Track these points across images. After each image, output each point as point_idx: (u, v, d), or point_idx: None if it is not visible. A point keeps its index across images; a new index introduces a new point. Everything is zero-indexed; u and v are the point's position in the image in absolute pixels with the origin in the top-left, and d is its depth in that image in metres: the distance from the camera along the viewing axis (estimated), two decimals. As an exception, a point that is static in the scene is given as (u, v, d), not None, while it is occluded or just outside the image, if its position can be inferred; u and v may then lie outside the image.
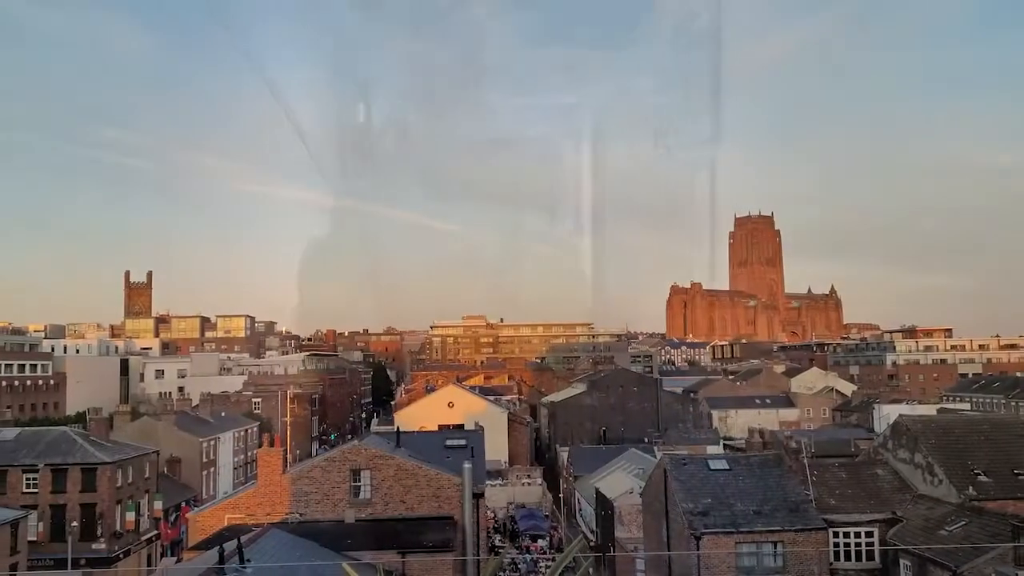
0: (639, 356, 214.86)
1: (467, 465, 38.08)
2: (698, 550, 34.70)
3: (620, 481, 61.81)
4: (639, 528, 50.44)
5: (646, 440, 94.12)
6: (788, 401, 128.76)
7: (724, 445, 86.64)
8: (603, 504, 60.60)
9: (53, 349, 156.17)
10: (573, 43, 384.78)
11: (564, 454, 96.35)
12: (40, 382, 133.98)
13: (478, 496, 38.77)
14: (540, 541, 71.76)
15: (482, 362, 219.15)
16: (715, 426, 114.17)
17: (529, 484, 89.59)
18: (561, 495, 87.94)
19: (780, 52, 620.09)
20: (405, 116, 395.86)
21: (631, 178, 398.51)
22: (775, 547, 35.07)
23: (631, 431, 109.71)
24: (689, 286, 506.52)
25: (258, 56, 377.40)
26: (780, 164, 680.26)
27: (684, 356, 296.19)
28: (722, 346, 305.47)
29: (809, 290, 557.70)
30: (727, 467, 40.06)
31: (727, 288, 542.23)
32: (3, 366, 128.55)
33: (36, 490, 60.86)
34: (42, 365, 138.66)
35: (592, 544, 62.54)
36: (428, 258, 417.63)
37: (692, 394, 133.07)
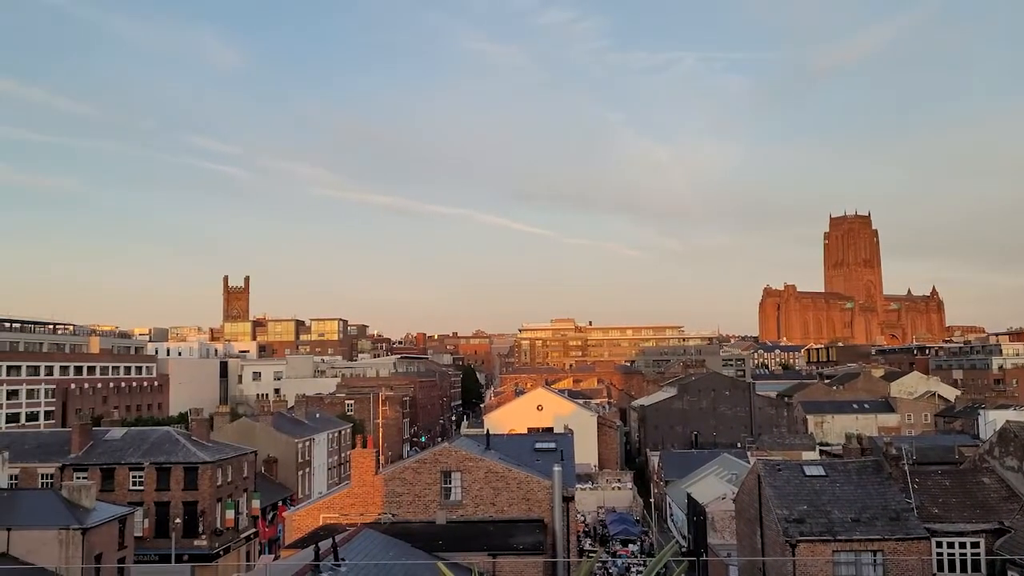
0: (731, 360, 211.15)
1: (557, 468, 37.96)
2: (793, 557, 33.87)
3: (712, 486, 60.87)
4: (732, 534, 49.53)
5: (738, 445, 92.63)
6: (887, 406, 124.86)
7: (820, 451, 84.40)
8: (695, 509, 59.72)
9: (157, 352, 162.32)
10: (658, 44, 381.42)
11: (655, 458, 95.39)
12: (145, 383, 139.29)
13: (568, 499, 38.58)
14: (631, 546, 71.17)
15: (571, 365, 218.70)
16: (810, 431, 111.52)
17: (619, 488, 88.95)
18: (652, 500, 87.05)
19: (876, 47, 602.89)
20: (492, 122, 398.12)
21: (721, 178, 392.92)
22: (875, 556, 33.95)
23: (723, 436, 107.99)
24: (783, 288, 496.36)
25: (342, 66, 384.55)
26: (877, 162, 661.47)
27: (778, 360, 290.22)
28: (817, 349, 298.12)
29: (909, 292, 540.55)
30: (823, 473, 38.99)
31: (822, 290, 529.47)
32: (111, 368, 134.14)
33: (142, 487, 63.21)
34: (147, 367, 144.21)
35: (684, 550, 61.70)
36: (517, 262, 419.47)
37: (786, 398, 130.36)
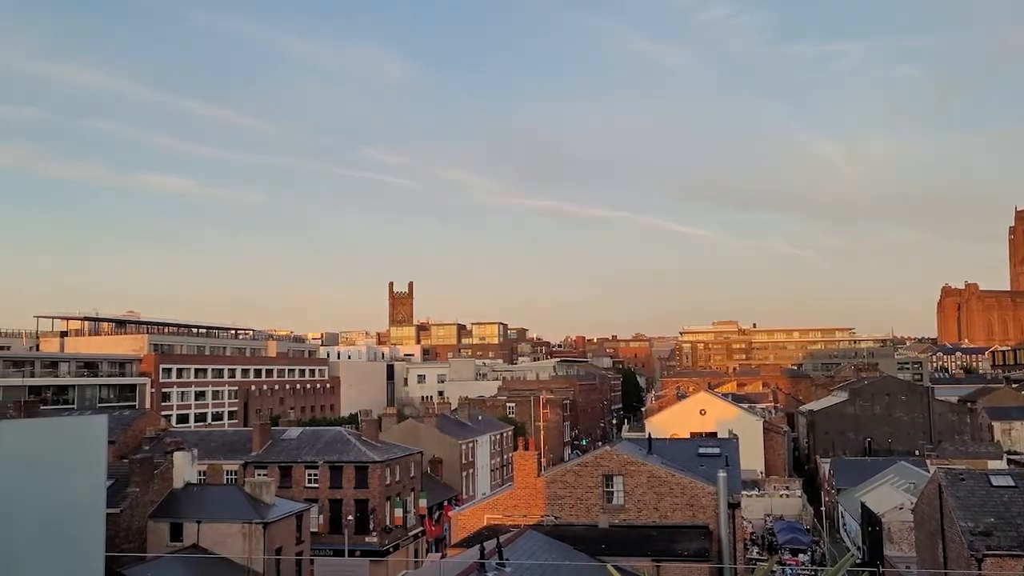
0: (907, 363, 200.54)
1: (722, 474, 37.10)
2: (980, 572, 31.74)
3: (888, 496, 57.99)
4: (911, 546, 47.00)
5: (916, 452, 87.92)
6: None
7: (1008, 460, 78.84)
8: (870, 519, 57.04)
9: (328, 355, 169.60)
10: (823, 36, 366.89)
11: (825, 465, 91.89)
12: (318, 385, 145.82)
13: (734, 506, 37.62)
14: (801, 555, 68.64)
15: (734, 368, 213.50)
16: (996, 439, 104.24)
17: (787, 496, 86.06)
18: (823, 508, 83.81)
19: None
20: (651, 123, 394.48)
21: (894, 172, 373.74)
22: (1075, 575, 31.38)
23: (899, 442, 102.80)
24: (963, 287, 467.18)
25: (498, 72, 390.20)
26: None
27: (958, 363, 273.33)
28: (1003, 352, 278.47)
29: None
30: (1013, 484, 36.36)
31: (1008, 288, 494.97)
32: (287, 371, 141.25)
33: (316, 485, 66.18)
34: (319, 370, 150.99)
35: (858, 561, 59.01)
36: (677, 263, 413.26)
37: (969, 404, 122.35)
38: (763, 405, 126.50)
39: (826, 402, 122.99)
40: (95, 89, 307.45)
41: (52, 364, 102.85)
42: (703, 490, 38.11)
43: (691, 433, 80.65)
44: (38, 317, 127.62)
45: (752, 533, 75.06)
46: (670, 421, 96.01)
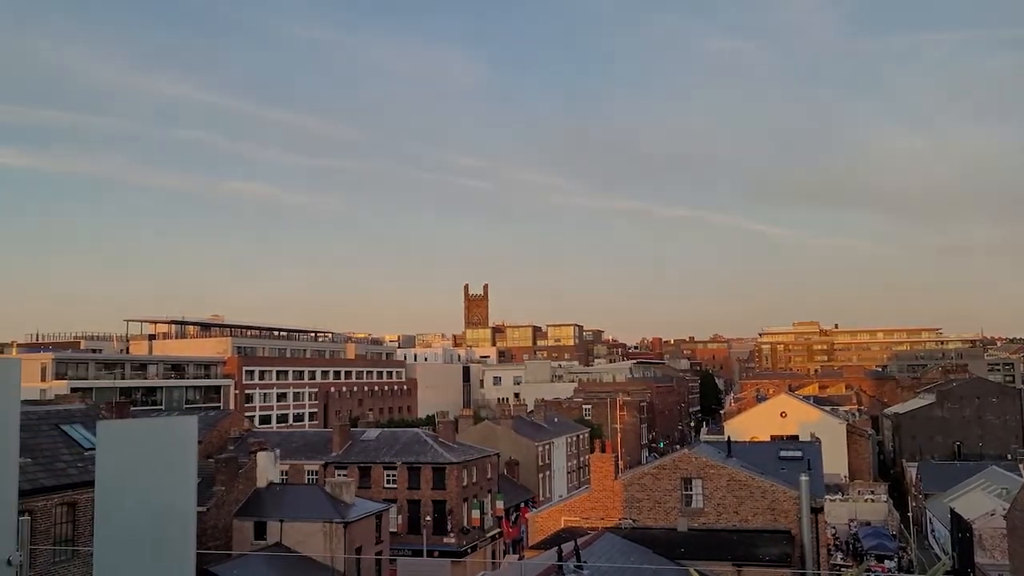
0: (998, 364, 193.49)
1: (804, 478, 36.38)
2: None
3: (980, 501, 56.10)
4: (1003, 554, 45.40)
5: (1008, 457, 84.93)
6: None
7: (1109, 466, 75.53)
8: (959, 525, 55.27)
9: (405, 357, 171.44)
10: (910, 28, 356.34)
11: (912, 470, 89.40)
12: (395, 387, 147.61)
13: (816, 511, 36.86)
14: (887, 562, 66.82)
15: (816, 370, 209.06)
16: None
17: (872, 500, 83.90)
18: (910, 514, 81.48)
19: None
20: (728, 121, 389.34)
21: (985, 167, 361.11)
22: None
23: (990, 447, 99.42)
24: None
25: (571, 72, 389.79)
26: None
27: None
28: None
29: None
30: (1116, 491, 34.81)
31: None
32: (365, 372, 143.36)
33: (395, 485, 66.99)
34: (397, 372, 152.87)
35: (948, 568, 57.20)
36: (755, 263, 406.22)
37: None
38: (846, 408, 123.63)
39: (912, 405, 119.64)
40: (184, 100, 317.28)
41: (141, 366, 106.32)
42: (785, 494, 37.41)
43: (771, 436, 79.31)
44: (128, 321, 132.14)
45: (836, 538, 73.39)
46: (750, 424, 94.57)
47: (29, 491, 28.10)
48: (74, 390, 78.32)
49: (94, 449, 31.18)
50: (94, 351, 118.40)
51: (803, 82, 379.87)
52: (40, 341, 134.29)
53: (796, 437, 75.77)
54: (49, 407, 38.50)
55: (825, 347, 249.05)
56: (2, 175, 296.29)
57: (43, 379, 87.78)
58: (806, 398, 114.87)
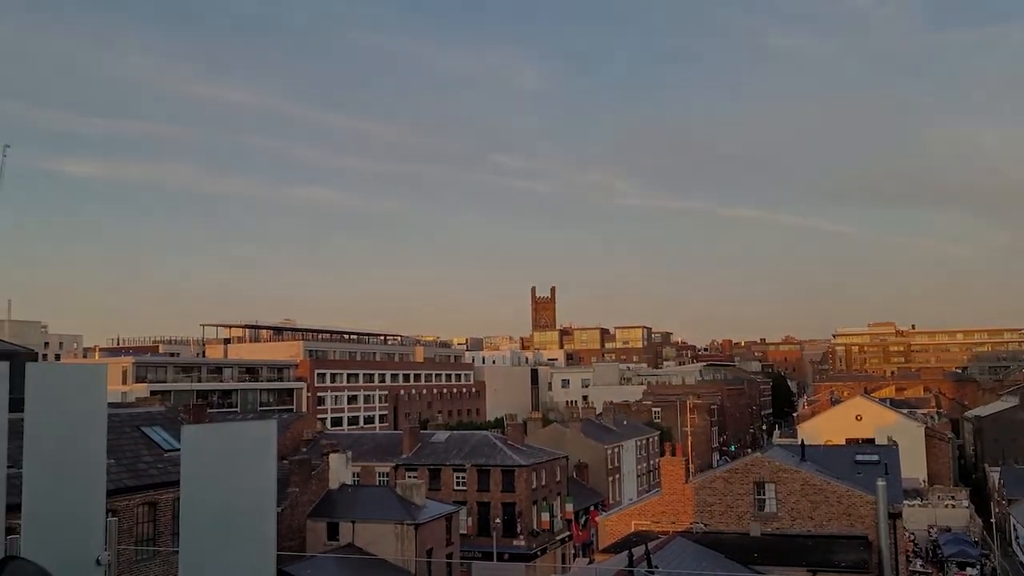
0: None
1: (881, 482, 35.17)
2: None
3: (1068, 508, 54.00)
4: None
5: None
6: None
7: None
8: (1047, 534, 53.31)
9: (473, 360, 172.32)
10: (980, 20, 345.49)
11: (995, 475, 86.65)
12: (464, 390, 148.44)
13: (895, 516, 35.93)
14: (969, 569, 64.87)
15: (892, 372, 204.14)
16: None
17: (953, 506, 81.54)
18: (992, 520, 78.93)
19: None
20: (796, 119, 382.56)
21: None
22: None
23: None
24: None
25: (635, 72, 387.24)
26: None
27: None
28: None
29: None
30: None
31: None
32: (434, 375, 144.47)
33: (464, 488, 67.34)
34: (465, 375, 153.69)
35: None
36: (827, 263, 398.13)
37: None
38: (924, 411, 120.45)
39: (995, 407, 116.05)
40: (245, 107, 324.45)
41: (217, 369, 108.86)
42: (861, 499, 36.62)
43: (847, 440, 77.75)
44: (204, 325, 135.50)
45: (915, 545, 71.53)
46: (824, 427, 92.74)
47: (113, 491, 28.96)
48: (153, 393, 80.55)
49: (173, 451, 32.09)
50: (172, 355, 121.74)
51: (871, 79, 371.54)
52: (121, 346, 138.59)
53: (872, 441, 74.07)
54: (130, 410, 39.65)
55: (902, 348, 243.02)
56: (80, 184, 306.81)
57: (124, 382, 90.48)
58: (882, 401, 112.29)
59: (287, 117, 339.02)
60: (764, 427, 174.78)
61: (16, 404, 3.65)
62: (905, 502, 58.49)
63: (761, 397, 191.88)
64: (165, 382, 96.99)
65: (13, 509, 3.65)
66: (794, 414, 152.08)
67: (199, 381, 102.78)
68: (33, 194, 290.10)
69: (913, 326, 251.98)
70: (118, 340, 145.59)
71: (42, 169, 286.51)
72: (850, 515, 36.68)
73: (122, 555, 28.85)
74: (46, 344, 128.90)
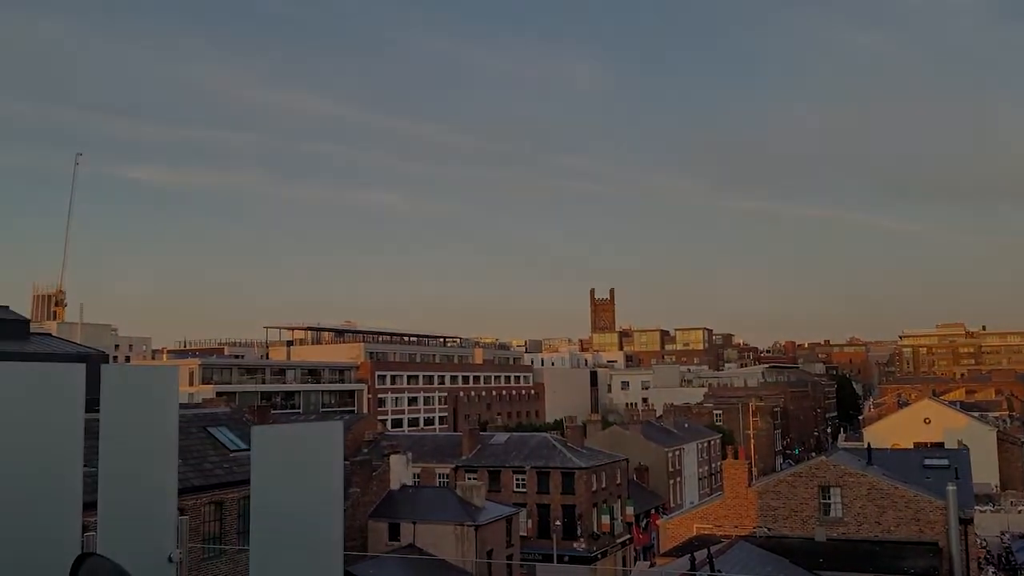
0: None
1: (951, 487, 34.65)
2: None
3: None
4: None
5: None
6: None
7: None
8: None
9: (532, 362, 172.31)
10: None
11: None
12: (523, 391, 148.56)
13: (966, 522, 35.04)
14: (1045, 578, 62.91)
15: (962, 374, 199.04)
16: None
17: (1027, 512, 79.16)
18: (1070, 527, 76.43)
19: None
20: (858, 117, 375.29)
21: None
22: None
23: None
24: None
25: (692, 72, 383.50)
26: None
27: None
28: None
29: None
30: None
31: None
32: (493, 377, 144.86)
33: (524, 490, 67.37)
34: (524, 376, 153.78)
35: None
36: (892, 263, 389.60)
37: None
38: (996, 414, 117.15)
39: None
40: (307, 112, 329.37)
41: (280, 371, 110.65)
42: (930, 504, 35.76)
43: (914, 443, 75.98)
44: (267, 327, 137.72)
45: (987, 551, 69.63)
46: (891, 430, 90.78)
47: (181, 491, 29.55)
48: (219, 394, 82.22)
49: (239, 451, 32.65)
50: (237, 357, 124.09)
51: (936, 74, 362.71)
52: (188, 348, 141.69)
53: (941, 444, 72.25)
54: (197, 410, 40.47)
55: (972, 350, 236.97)
56: (148, 190, 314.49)
57: (191, 384, 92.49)
58: (952, 403, 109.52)
59: (347, 122, 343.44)
60: (829, 430, 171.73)
61: (90, 405, 3.75)
62: (976, 507, 56.92)
63: (825, 400, 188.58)
64: (230, 383, 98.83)
65: (89, 507, 3.75)
66: (860, 417, 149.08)
67: (263, 383, 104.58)
68: (103, 200, 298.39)
69: (984, 327, 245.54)
70: (185, 342, 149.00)
71: (112, 176, 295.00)
72: (919, 521, 35.85)
73: (190, 553, 29.48)
74: (116, 347, 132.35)
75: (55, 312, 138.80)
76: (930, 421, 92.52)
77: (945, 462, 44.82)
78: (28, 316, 57.14)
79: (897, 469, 42.26)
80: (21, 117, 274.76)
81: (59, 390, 3.63)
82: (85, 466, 3.84)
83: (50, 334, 57.45)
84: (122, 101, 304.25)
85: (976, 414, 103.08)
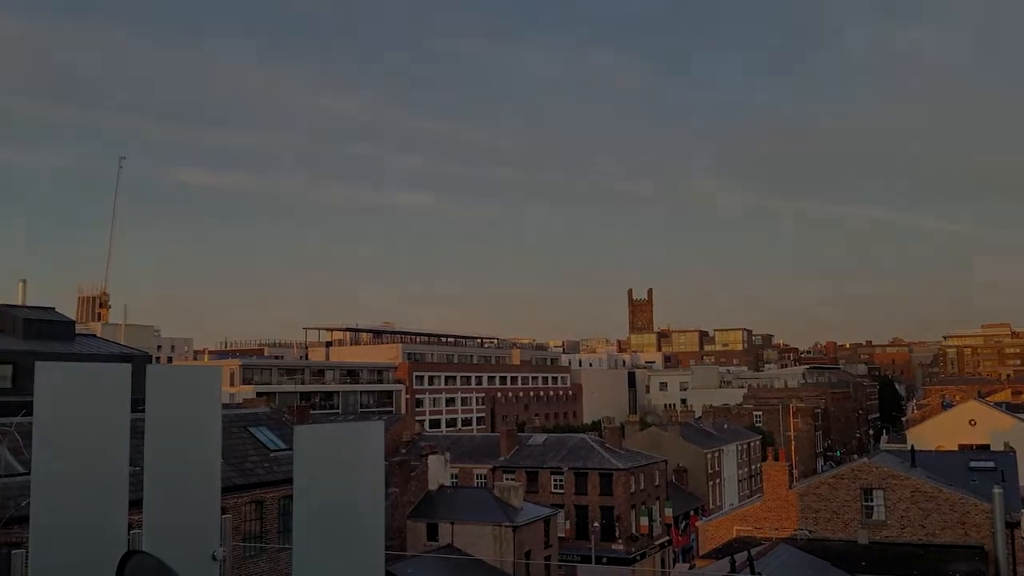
0: None
1: (997, 490, 33.97)
2: None
3: None
4: None
5: None
6: None
7: None
8: None
9: (570, 363, 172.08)
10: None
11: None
12: (561, 392, 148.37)
13: (1012, 525, 34.36)
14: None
15: (1008, 375, 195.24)
16: None
17: (1076, 517, 77.37)
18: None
19: None
20: (899, 116, 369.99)
21: None
22: None
23: None
24: None
25: (733, 72, 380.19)
26: None
27: None
28: None
29: None
30: None
31: None
32: (531, 378, 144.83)
33: (562, 491, 67.26)
34: (562, 377, 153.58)
35: None
36: (934, 262, 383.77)
37: None
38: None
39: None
40: (346, 115, 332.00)
41: (319, 372, 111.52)
42: (976, 507, 35.13)
43: (959, 445, 74.70)
44: (306, 329, 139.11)
45: (1035, 557, 68.20)
46: (935, 432, 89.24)
47: (223, 489, 29.83)
48: (259, 394, 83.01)
49: (279, 450, 32.95)
50: (277, 357, 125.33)
51: (980, 71, 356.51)
52: (228, 348, 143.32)
53: (987, 447, 70.99)
54: (237, 410, 40.89)
55: (1018, 350, 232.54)
56: (190, 193, 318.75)
57: (231, 384, 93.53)
58: (998, 405, 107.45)
59: (388, 124, 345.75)
60: (871, 432, 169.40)
61: (134, 405, 3.81)
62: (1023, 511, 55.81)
63: (868, 401, 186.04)
64: (270, 384, 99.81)
65: (135, 506, 3.81)
66: (903, 419, 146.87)
67: (302, 383, 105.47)
68: (146, 203, 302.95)
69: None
70: (226, 343, 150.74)
71: (154, 179, 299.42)
72: (964, 524, 35.26)
73: (232, 551, 29.76)
74: (158, 347, 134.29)
75: (99, 313, 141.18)
76: (975, 423, 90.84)
77: (991, 464, 44.05)
78: (74, 318, 58.19)
79: (942, 472, 41.60)
80: (66, 120, 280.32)
81: (107, 390, 3.69)
82: (130, 465, 3.91)
83: (94, 335, 58.38)
84: (164, 105, 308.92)
85: (1023, 415, 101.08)
